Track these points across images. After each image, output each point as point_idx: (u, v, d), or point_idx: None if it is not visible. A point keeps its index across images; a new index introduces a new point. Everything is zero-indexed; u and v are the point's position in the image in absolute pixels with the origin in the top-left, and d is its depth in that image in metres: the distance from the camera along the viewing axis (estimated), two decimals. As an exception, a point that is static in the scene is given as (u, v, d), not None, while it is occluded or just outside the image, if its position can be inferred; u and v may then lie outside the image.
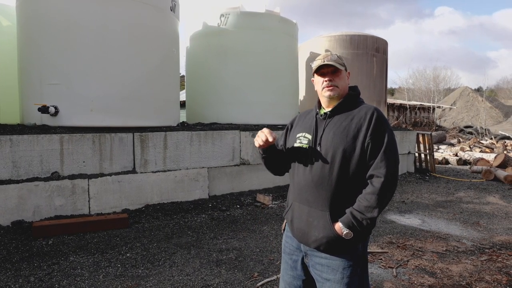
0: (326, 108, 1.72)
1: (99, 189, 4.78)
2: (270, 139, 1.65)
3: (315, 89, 1.77)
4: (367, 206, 1.50)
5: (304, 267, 1.70)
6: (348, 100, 1.68)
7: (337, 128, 1.61)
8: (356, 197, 1.56)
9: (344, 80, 1.69)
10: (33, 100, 4.98)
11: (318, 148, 1.61)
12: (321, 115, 1.70)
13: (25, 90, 5.25)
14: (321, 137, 1.63)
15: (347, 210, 1.55)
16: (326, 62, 1.64)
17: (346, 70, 1.71)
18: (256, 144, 1.70)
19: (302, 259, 1.70)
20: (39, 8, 5.01)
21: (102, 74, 5.04)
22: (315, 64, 1.69)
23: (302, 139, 1.71)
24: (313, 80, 1.77)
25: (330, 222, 1.56)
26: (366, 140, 1.54)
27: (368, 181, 1.55)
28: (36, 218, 4.36)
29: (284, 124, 7.30)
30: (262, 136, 1.66)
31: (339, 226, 1.54)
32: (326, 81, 1.66)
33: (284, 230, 1.85)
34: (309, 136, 1.68)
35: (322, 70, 1.67)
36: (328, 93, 1.66)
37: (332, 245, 1.56)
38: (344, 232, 1.52)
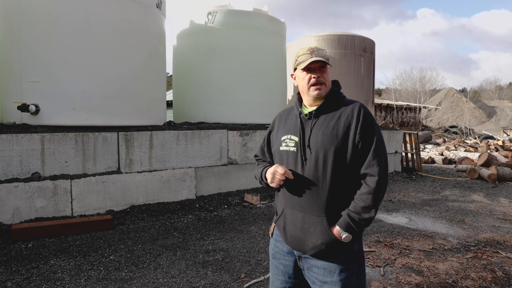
0: (309, 107, 1.62)
1: (82, 190, 4.64)
2: (291, 176, 1.53)
3: (296, 84, 1.65)
4: (364, 206, 1.46)
5: (297, 270, 1.64)
6: (332, 97, 1.60)
7: (326, 128, 1.53)
8: (351, 198, 1.50)
9: (329, 76, 1.60)
10: (13, 98, 4.81)
11: (308, 150, 1.53)
12: (306, 115, 1.59)
13: (5, 87, 5.06)
14: (309, 138, 1.54)
15: (343, 213, 1.50)
16: (317, 58, 1.53)
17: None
18: (274, 185, 1.58)
19: (295, 263, 1.63)
20: (19, 2, 4.83)
21: (85, 72, 4.90)
22: (302, 59, 1.56)
23: (288, 142, 1.60)
24: (292, 75, 1.65)
25: (328, 228, 1.50)
26: (356, 138, 1.49)
27: (361, 180, 1.51)
28: (15, 221, 4.21)
29: (272, 124, 7.26)
30: (280, 177, 1.54)
31: (337, 230, 1.48)
32: (314, 77, 1.55)
33: (272, 234, 1.76)
34: (296, 138, 1.58)
35: (309, 66, 1.55)
36: (316, 92, 1.56)
37: (331, 250, 1.51)
38: (343, 236, 1.47)
